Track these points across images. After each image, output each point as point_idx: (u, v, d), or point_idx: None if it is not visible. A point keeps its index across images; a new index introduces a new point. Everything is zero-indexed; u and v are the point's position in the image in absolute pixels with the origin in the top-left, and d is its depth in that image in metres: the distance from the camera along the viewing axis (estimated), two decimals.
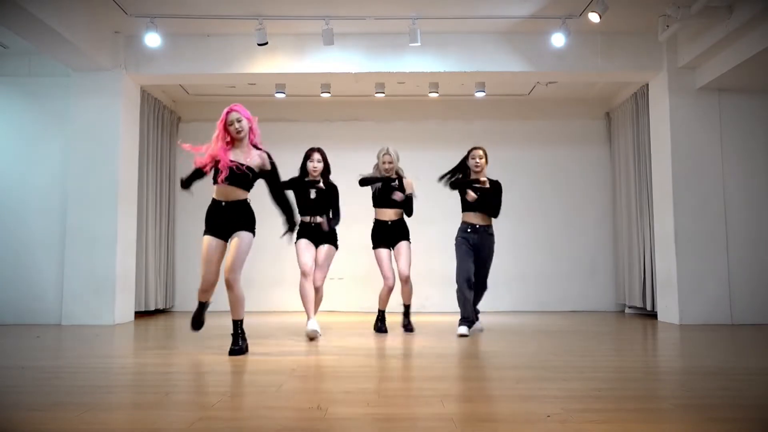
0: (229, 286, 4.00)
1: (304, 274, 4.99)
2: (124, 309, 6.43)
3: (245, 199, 4.09)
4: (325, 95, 7.69)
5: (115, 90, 6.45)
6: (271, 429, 2.26)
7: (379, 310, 5.56)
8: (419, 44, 6.05)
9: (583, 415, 2.42)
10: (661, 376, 3.43)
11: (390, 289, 5.45)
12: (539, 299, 8.04)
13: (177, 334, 5.46)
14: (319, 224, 5.06)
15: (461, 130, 8.23)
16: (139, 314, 6.87)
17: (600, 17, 5.63)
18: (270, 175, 4.11)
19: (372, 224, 5.56)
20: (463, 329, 5.15)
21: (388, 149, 5.42)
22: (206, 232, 4.08)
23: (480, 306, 5.51)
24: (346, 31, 6.29)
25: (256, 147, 4.12)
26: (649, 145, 6.99)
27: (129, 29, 6.33)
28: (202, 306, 4.32)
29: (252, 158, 4.06)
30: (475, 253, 5.24)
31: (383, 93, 7.63)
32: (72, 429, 2.26)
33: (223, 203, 4.04)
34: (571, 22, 6.10)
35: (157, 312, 7.51)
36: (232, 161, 3.98)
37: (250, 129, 4.10)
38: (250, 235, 4.09)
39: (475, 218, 5.27)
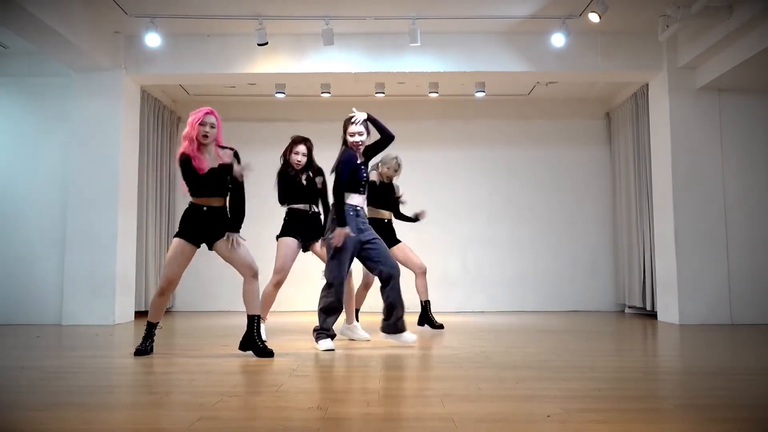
0: (255, 275, 3.99)
1: (278, 282, 4.62)
2: (124, 309, 6.43)
3: (225, 206, 4.03)
4: (325, 95, 7.69)
5: (115, 90, 6.45)
6: (271, 429, 2.26)
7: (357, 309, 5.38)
8: (419, 44, 6.06)
9: (583, 415, 2.42)
10: (661, 376, 3.43)
11: (368, 285, 5.38)
12: (539, 299, 8.04)
13: (177, 334, 5.46)
14: (317, 213, 4.76)
15: (461, 130, 8.23)
16: (139, 314, 6.87)
17: (600, 17, 5.64)
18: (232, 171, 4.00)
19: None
20: (325, 344, 4.23)
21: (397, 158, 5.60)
22: (180, 236, 3.96)
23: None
24: (346, 31, 6.29)
25: (221, 147, 4.06)
26: (649, 145, 6.99)
27: (129, 29, 6.33)
28: (152, 328, 4.11)
29: (222, 159, 3.99)
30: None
31: (383, 93, 7.63)
32: (72, 429, 2.26)
33: (205, 208, 3.96)
34: (571, 22, 6.10)
35: None
36: (209, 169, 3.92)
37: (216, 139, 4.02)
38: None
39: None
